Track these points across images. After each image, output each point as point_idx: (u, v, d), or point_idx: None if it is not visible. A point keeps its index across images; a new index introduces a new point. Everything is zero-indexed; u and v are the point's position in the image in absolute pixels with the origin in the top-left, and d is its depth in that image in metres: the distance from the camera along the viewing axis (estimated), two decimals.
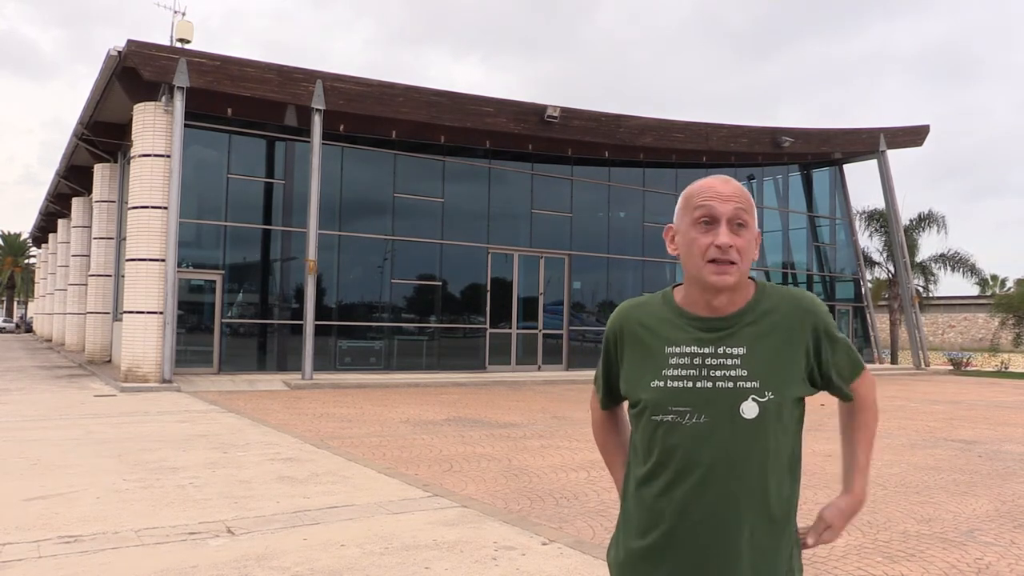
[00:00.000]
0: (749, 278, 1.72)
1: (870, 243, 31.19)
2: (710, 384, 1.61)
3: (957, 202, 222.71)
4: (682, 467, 1.61)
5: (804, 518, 1.76)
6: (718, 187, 1.64)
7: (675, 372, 1.64)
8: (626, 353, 1.75)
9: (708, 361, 1.63)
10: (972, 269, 31.20)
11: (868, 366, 1.80)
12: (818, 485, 6.75)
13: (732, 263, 1.60)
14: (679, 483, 1.61)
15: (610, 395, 1.87)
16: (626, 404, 1.85)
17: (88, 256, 23.72)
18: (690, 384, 1.62)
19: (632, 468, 1.74)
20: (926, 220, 30.89)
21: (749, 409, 1.60)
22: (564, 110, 20.00)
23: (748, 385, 1.60)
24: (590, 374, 3.72)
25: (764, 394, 1.60)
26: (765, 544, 1.62)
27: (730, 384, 1.61)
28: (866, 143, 26.78)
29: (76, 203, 27.05)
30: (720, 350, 1.63)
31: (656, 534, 1.64)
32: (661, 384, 1.64)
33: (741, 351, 1.63)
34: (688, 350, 1.64)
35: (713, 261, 1.60)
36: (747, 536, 1.60)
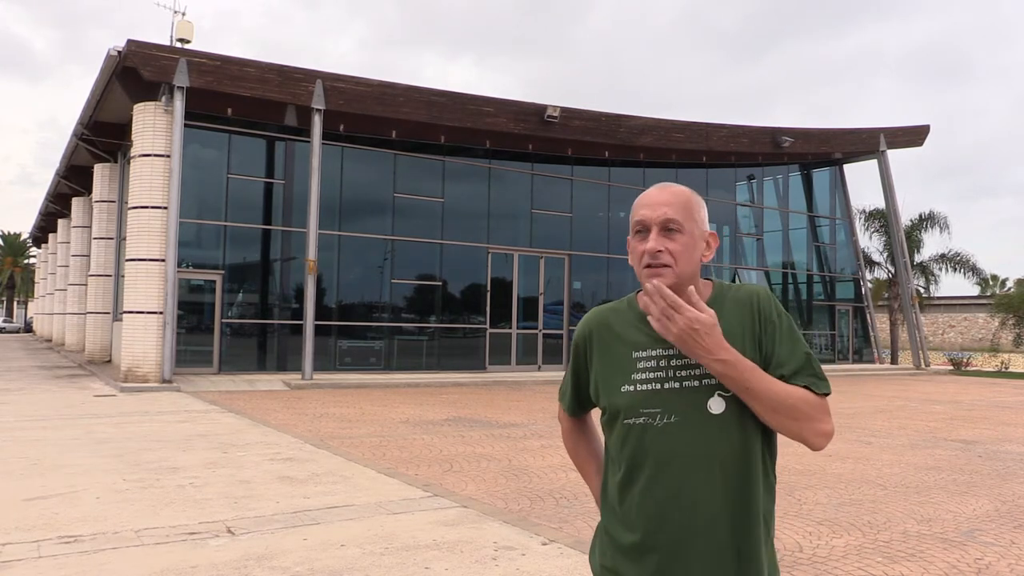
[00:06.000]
0: (708, 279, 1.77)
1: (870, 243, 31.22)
2: (677, 384, 1.66)
3: (953, 202, 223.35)
4: (657, 467, 1.64)
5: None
6: (652, 196, 1.72)
7: (643, 375, 1.68)
8: (595, 358, 1.78)
9: (673, 362, 1.67)
10: (973, 269, 31.18)
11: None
12: (818, 485, 6.75)
13: (664, 265, 1.66)
14: (656, 483, 1.64)
15: (578, 401, 1.90)
16: (595, 412, 1.86)
17: (88, 256, 23.71)
18: (658, 386, 1.67)
19: (609, 475, 1.77)
20: (928, 220, 30.87)
21: (716, 405, 1.64)
22: (564, 110, 20.00)
23: (713, 381, 1.64)
24: None
25: (728, 389, 1.63)
26: (747, 537, 1.63)
27: (696, 383, 1.65)
28: (866, 143, 26.78)
29: (76, 203, 27.05)
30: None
31: (637, 535, 1.66)
32: (631, 388, 1.69)
33: None
34: (654, 353, 1.69)
35: (648, 266, 1.67)
36: (728, 530, 1.61)
